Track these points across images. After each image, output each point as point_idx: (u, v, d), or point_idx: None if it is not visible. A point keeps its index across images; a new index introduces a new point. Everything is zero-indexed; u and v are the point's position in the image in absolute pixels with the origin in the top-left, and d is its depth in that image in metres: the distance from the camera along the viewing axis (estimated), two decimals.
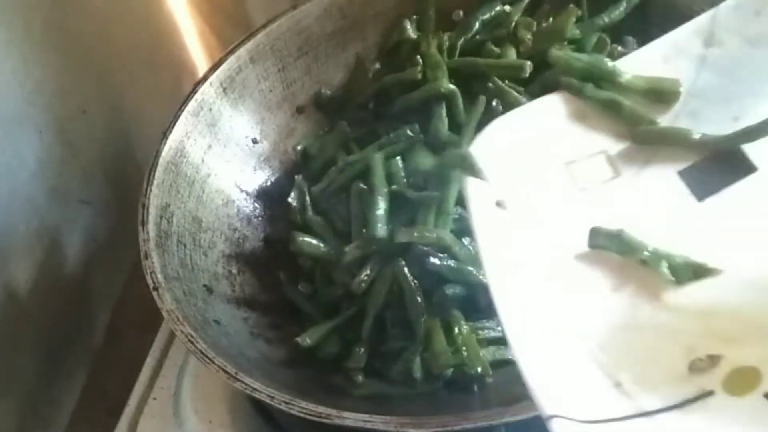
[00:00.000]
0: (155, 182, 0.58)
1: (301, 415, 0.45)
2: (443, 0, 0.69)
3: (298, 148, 0.69)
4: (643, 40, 0.61)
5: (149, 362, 0.66)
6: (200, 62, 0.94)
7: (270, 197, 0.67)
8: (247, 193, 0.66)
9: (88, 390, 0.73)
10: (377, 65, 0.71)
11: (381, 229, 0.55)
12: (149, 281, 0.53)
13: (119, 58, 0.79)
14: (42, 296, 0.69)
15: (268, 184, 0.68)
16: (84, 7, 0.74)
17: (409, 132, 0.62)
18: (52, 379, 0.70)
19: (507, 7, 0.66)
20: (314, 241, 0.59)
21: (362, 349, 0.54)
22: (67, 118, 0.72)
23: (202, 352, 0.49)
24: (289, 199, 0.63)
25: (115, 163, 0.79)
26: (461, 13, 0.69)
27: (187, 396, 0.61)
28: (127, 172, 0.79)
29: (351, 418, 0.45)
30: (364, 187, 0.59)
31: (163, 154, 0.60)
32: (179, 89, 0.91)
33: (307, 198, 0.63)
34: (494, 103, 0.60)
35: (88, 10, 0.75)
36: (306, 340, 0.55)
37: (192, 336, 0.49)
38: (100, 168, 0.77)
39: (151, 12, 0.86)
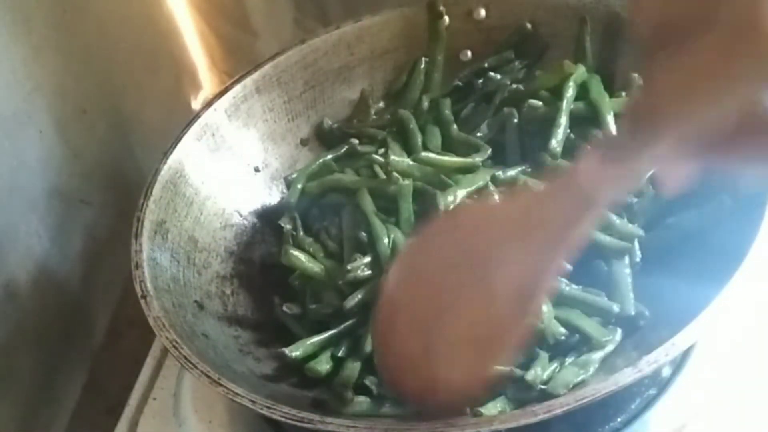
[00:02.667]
0: (152, 198, 0.59)
1: (283, 420, 0.45)
2: (452, 40, 0.70)
3: (293, 176, 0.68)
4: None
5: (149, 362, 0.66)
6: (200, 63, 0.94)
7: (269, 223, 0.66)
8: (247, 219, 0.66)
9: (88, 390, 0.73)
10: (381, 104, 0.72)
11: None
12: (138, 290, 0.53)
13: (119, 58, 0.79)
14: (42, 296, 0.69)
15: (269, 211, 0.67)
16: (84, 8, 0.74)
17: None
18: (52, 379, 0.70)
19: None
20: (304, 256, 0.59)
21: (355, 365, 0.54)
22: (68, 118, 0.72)
23: (185, 358, 0.48)
24: (281, 222, 0.63)
25: (116, 163, 0.79)
26: (469, 53, 0.71)
27: (186, 396, 0.61)
28: (128, 172, 0.79)
29: (334, 423, 0.44)
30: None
31: (162, 172, 0.60)
32: (179, 89, 0.92)
33: (298, 220, 0.63)
34: None
35: (88, 10, 0.75)
36: (294, 351, 0.54)
37: (177, 342, 0.49)
38: (101, 168, 0.77)
39: (151, 12, 0.86)
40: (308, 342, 0.55)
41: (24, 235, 0.67)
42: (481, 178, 0.59)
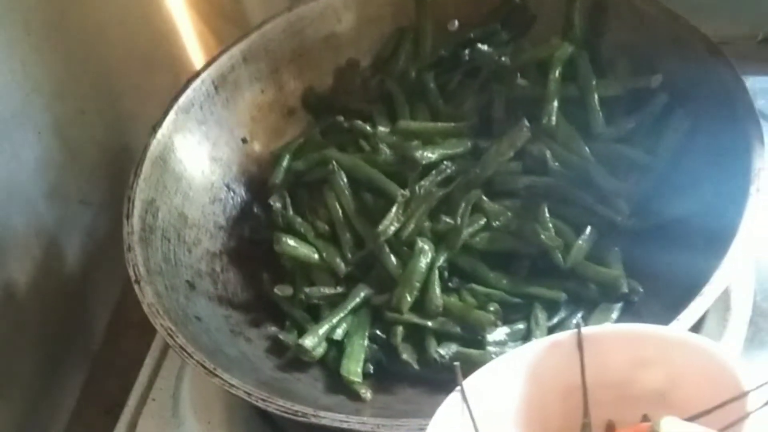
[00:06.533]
0: (142, 176, 0.59)
1: (278, 413, 0.45)
2: (439, 9, 0.69)
3: (279, 151, 0.67)
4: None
5: (148, 363, 0.65)
6: (198, 62, 0.94)
7: (258, 197, 0.66)
8: (235, 192, 0.66)
9: (86, 390, 0.73)
10: (368, 72, 0.71)
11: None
12: (131, 274, 0.53)
13: (118, 59, 0.79)
14: (41, 297, 0.69)
15: (257, 183, 0.67)
16: (83, 8, 0.74)
17: None
18: (51, 380, 0.70)
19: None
20: (297, 242, 0.59)
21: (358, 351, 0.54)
22: (66, 119, 0.72)
23: (181, 347, 0.49)
24: (270, 201, 0.63)
25: (114, 163, 0.79)
26: (456, 23, 0.70)
27: (185, 397, 0.61)
28: (126, 173, 0.78)
29: (328, 418, 0.45)
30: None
31: (152, 148, 0.60)
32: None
33: (287, 199, 0.63)
34: None
35: (86, 10, 0.75)
36: (307, 341, 0.54)
37: (172, 330, 0.50)
38: (99, 168, 0.77)
39: (149, 12, 0.86)
40: (319, 331, 0.55)
41: (23, 236, 0.67)
42: (463, 144, 0.60)
